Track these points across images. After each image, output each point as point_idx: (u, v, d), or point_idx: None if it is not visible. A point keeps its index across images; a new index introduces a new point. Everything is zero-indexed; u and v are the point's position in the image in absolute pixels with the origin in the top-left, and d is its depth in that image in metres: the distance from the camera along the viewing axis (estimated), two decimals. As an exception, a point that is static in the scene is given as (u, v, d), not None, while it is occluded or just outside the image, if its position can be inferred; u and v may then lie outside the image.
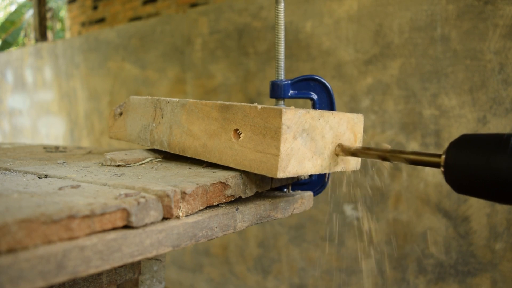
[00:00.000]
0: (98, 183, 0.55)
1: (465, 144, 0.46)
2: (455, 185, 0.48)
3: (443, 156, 0.48)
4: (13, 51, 4.37)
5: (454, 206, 1.59)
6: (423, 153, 0.52)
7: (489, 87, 1.49)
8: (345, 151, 0.60)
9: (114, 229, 0.44)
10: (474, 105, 1.53)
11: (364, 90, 1.79)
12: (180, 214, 0.51)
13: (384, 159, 0.56)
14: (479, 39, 1.50)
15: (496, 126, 1.49)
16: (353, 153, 0.60)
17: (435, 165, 0.50)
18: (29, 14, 8.83)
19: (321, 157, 0.60)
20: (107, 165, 0.71)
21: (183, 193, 0.51)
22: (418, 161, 0.52)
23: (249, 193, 0.62)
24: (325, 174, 0.75)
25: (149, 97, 0.80)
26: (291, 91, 0.72)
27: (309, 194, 0.73)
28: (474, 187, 0.46)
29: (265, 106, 0.56)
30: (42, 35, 4.44)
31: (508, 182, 0.42)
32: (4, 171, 0.66)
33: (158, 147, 0.77)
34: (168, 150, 0.74)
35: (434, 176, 1.63)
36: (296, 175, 0.57)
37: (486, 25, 1.48)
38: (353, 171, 0.68)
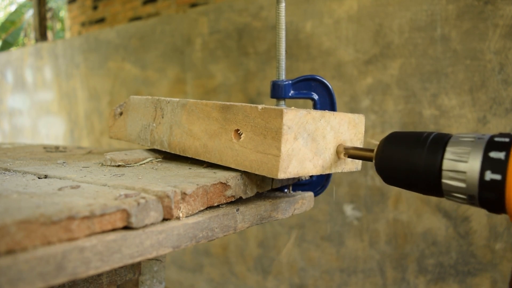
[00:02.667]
0: (98, 183, 0.55)
1: (392, 140, 0.53)
2: (382, 176, 0.54)
3: (375, 151, 0.55)
4: (13, 51, 4.37)
5: (454, 206, 1.59)
6: (360, 148, 0.60)
7: (489, 87, 1.49)
8: (346, 151, 0.61)
9: (114, 230, 0.44)
10: (474, 105, 1.53)
11: (364, 90, 1.79)
12: (181, 215, 0.50)
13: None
14: (479, 39, 1.50)
15: (496, 126, 1.49)
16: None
17: (369, 159, 0.57)
18: (29, 14, 8.83)
19: (322, 157, 0.59)
20: (107, 165, 0.71)
21: (184, 194, 0.51)
22: (356, 155, 0.59)
23: (250, 193, 0.62)
24: (325, 174, 0.75)
25: (150, 97, 0.80)
26: (292, 91, 0.71)
27: (309, 194, 0.72)
28: (397, 178, 0.52)
29: (266, 106, 0.56)
30: (42, 35, 4.44)
31: (424, 175, 0.48)
32: (3, 171, 0.65)
33: (158, 147, 0.77)
34: (168, 150, 0.74)
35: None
36: (297, 176, 0.57)
37: (486, 25, 1.48)
38: (354, 172, 0.68)
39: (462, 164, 0.45)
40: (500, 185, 0.42)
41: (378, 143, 0.57)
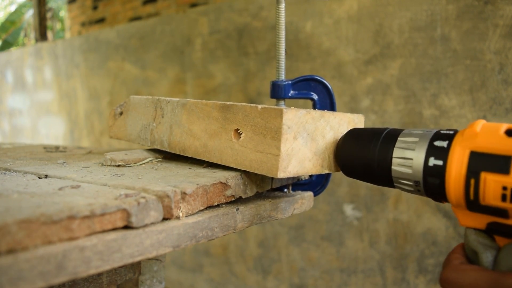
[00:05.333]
0: (98, 183, 0.55)
1: (351, 136, 0.57)
2: (343, 170, 0.58)
3: (336, 146, 0.60)
4: (13, 51, 4.37)
5: (454, 206, 1.59)
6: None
7: (489, 87, 1.49)
8: None
9: (114, 229, 0.44)
10: (474, 105, 1.53)
11: (364, 90, 1.79)
12: (180, 214, 0.51)
13: None
14: (479, 39, 1.50)
15: (496, 126, 1.49)
16: None
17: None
18: (29, 14, 8.83)
19: (322, 157, 0.60)
20: (107, 165, 0.71)
21: (183, 194, 0.51)
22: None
23: (250, 193, 0.62)
24: (325, 174, 0.75)
25: (150, 97, 0.80)
26: (291, 91, 0.71)
27: (309, 194, 0.72)
28: (355, 172, 0.56)
29: (266, 106, 0.56)
30: (42, 35, 4.44)
31: (377, 164, 0.52)
32: (4, 171, 0.65)
33: (158, 147, 0.77)
34: (168, 150, 0.74)
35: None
36: (296, 175, 0.57)
37: (486, 25, 1.48)
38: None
39: (410, 152, 0.48)
40: (442, 170, 0.45)
41: None
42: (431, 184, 0.46)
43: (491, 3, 1.46)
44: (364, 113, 1.77)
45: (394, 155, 0.50)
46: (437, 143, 0.46)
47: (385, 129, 0.54)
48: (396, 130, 0.52)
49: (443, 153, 0.45)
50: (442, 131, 0.47)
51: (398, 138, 0.51)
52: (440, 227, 1.62)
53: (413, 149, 0.48)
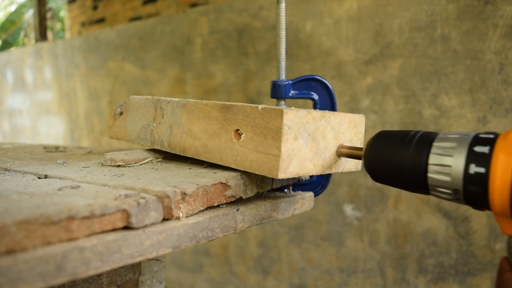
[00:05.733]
0: (98, 183, 0.55)
1: (380, 139, 0.54)
2: (371, 174, 0.55)
3: (363, 150, 0.57)
4: (13, 51, 4.37)
5: (454, 206, 1.59)
6: (351, 147, 0.61)
7: (489, 87, 1.49)
8: (338, 151, 0.61)
9: (114, 230, 0.44)
10: (474, 105, 1.53)
11: (364, 90, 1.79)
12: (181, 215, 0.50)
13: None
14: (479, 39, 1.50)
15: (496, 126, 1.49)
16: (354, 154, 0.62)
17: (358, 157, 0.59)
18: (29, 14, 8.83)
19: (322, 157, 0.59)
20: (107, 165, 0.71)
21: (184, 194, 0.51)
22: (348, 154, 0.61)
23: (250, 193, 0.62)
24: (326, 174, 0.75)
25: (150, 97, 0.80)
26: (292, 91, 0.71)
27: (310, 194, 0.72)
28: (385, 176, 0.53)
29: (266, 106, 0.56)
30: (42, 35, 4.44)
31: (411, 170, 0.49)
32: (3, 171, 0.65)
33: (158, 147, 0.77)
34: (168, 150, 0.74)
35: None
36: (297, 176, 0.57)
37: (486, 25, 1.48)
38: (354, 172, 0.68)
39: (448, 158, 0.46)
40: (484, 178, 0.42)
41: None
42: (472, 192, 0.44)
43: (491, 3, 1.46)
44: (364, 113, 1.77)
45: (430, 161, 0.47)
46: (478, 148, 0.44)
47: (417, 132, 0.51)
48: (430, 134, 0.50)
49: (485, 160, 0.43)
50: (481, 135, 0.45)
51: (434, 143, 0.48)
52: (440, 227, 1.62)
53: (451, 156, 0.45)
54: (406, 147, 0.50)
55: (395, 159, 0.51)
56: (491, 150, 0.43)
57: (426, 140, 0.49)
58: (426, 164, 0.47)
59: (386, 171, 0.52)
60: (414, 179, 0.49)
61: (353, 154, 0.59)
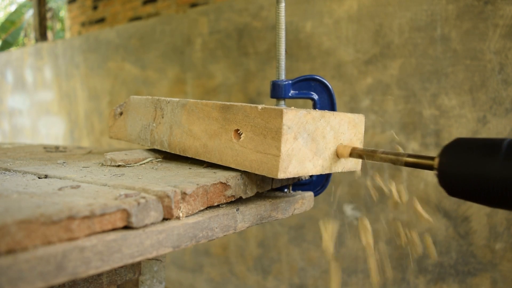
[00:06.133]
0: (98, 183, 0.55)
1: (458, 149, 0.47)
2: (448, 189, 0.48)
3: (437, 160, 0.49)
4: (13, 51, 4.37)
5: (454, 206, 1.59)
6: (418, 156, 0.53)
7: (489, 87, 1.49)
8: (345, 151, 0.61)
9: (114, 229, 0.44)
10: (474, 105, 1.53)
11: (364, 90, 1.79)
12: (181, 214, 0.51)
13: (384, 161, 0.57)
14: (479, 39, 1.50)
15: (496, 126, 1.49)
16: (354, 153, 0.61)
17: (429, 167, 0.51)
18: (29, 14, 8.83)
19: (322, 157, 0.59)
20: (107, 165, 0.71)
21: (184, 194, 0.51)
22: (414, 163, 0.53)
23: (250, 193, 0.62)
24: (325, 174, 0.75)
25: (150, 97, 0.80)
26: (291, 91, 0.71)
27: (309, 194, 0.72)
28: (467, 192, 0.46)
29: (266, 106, 0.56)
30: (42, 35, 4.44)
31: (499, 189, 0.43)
32: (4, 171, 0.65)
33: (158, 147, 0.77)
34: (168, 150, 0.74)
35: (434, 176, 1.63)
36: (296, 176, 0.57)
37: (486, 25, 1.48)
38: (354, 171, 0.68)
39: None
40: None
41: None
42: None
43: (491, 3, 1.46)
44: (364, 113, 1.77)
45: None
46: None
47: (502, 140, 0.45)
48: None
49: None
50: None
51: None
52: (440, 227, 1.62)
53: None
54: (494, 158, 0.43)
55: (480, 171, 0.44)
56: None
57: None
58: None
59: (468, 186, 0.45)
60: (505, 195, 0.43)
61: (421, 164, 0.52)
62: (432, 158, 0.51)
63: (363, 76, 1.78)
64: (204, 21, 2.41)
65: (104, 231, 0.43)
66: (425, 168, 0.52)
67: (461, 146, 0.47)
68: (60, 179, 0.58)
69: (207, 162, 0.68)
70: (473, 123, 1.53)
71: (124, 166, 0.70)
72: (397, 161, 0.55)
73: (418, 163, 0.53)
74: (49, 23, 9.48)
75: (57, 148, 1.04)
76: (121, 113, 0.90)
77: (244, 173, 0.61)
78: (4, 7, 12.08)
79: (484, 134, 1.52)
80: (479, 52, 1.50)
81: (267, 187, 0.66)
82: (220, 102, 0.63)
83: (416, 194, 1.67)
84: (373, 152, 0.57)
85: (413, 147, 1.67)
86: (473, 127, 1.53)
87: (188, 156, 0.69)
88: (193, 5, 3.10)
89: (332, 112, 0.60)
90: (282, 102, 0.72)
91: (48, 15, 9.31)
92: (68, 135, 3.58)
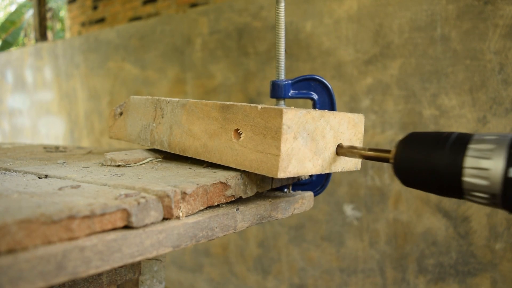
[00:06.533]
0: (98, 183, 0.55)
1: (411, 141, 0.51)
2: (401, 178, 0.52)
3: (392, 152, 0.54)
4: (13, 51, 4.37)
5: (454, 206, 1.59)
6: (377, 149, 0.57)
7: (489, 87, 1.49)
8: (371, 154, 0.60)
9: (114, 229, 0.44)
10: (474, 105, 1.53)
11: (364, 90, 1.79)
12: (181, 214, 0.51)
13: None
14: (479, 39, 1.50)
15: (496, 126, 1.49)
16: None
17: (386, 160, 0.56)
18: (29, 14, 8.83)
19: (322, 157, 0.59)
20: (107, 165, 0.71)
21: (184, 194, 0.51)
22: (373, 156, 0.58)
23: (250, 193, 0.62)
24: (325, 174, 0.75)
25: (150, 97, 0.80)
26: (291, 91, 0.71)
27: (309, 194, 0.72)
28: (418, 182, 0.50)
29: (266, 106, 0.56)
30: (42, 35, 4.44)
31: (445, 174, 0.47)
32: (4, 171, 0.65)
33: (158, 147, 0.77)
34: (168, 150, 0.74)
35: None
36: (296, 175, 0.57)
37: (486, 25, 1.48)
38: (354, 171, 0.68)
39: (485, 161, 0.43)
40: None
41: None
42: None
43: (491, 3, 1.46)
44: (364, 113, 1.77)
45: (466, 164, 0.45)
46: None
47: (450, 133, 0.49)
48: (465, 135, 0.48)
49: None
50: None
51: (469, 145, 0.45)
52: (440, 227, 1.62)
53: (489, 158, 0.43)
54: (439, 150, 0.47)
55: (428, 162, 0.48)
56: None
57: (461, 142, 0.46)
58: (462, 167, 0.45)
59: (418, 175, 0.50)
60: (448, 183, 0.47)
61: (379, 157, 0.57)
62: (388, 151, 0.55)
63: (363, 76, 1.79)
64: (204, 21, 2.41)
65: (104, 231, 0.43)
66: (382, 161, 0.56)
67: (414, 139, 0.51)
68: (60, 179, 0.59)
69: (207, 162, 0.68)
70: (473, 123, 1.53)
71: (124, 166, 0.70)
72: (360, 154, 0.59)
73: (377, 156, 0.57)
74: (49, 23, 9.48)
75: (57, 148, 1.04)
76: (121, 113, 0.90)
77: (244, 173, 0.61)
78: (4, 7, 12.08)
79: (484, 134, 1.52)
80: (479, 52, 1.50)
81: (267, 187, 0.66)
82: (220, 102, 0.63)
83: (416, 194, 1.68)
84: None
85: (413, 147, 1.67)
86: (473, 127, 1.54)
87: (188, 156, 0.69)
88: (193, 5, 3.10)
89: (331, 112, 0.60)
90: (282, 102, 0.72)
91: (48, 15, 9.31)
92: (68, 135, 3.58)
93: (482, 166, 0.44)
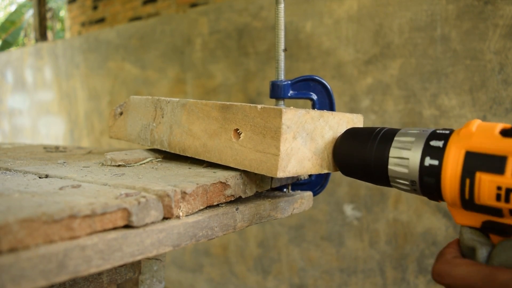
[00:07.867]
0: (98, 183, 0.55)
1: (348, 136, 0.58)
2: (340, 168, 0.59)
3: (333, 146, 0.61)
4: (13, 51, 4.37)
5: (454, 206, 1.60)
6: None
7: (489, 87, 1.50)
8: None
9: (114, 228, 0.44)
10: (474, 105, 1.53)
11: (364, 90, 1.79)
12: (181, 213, 0.51)
13: None
14: (479, 39, 1.50)
15: (496, 126, 1.49)
16: None
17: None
18: (29, 14, 8.83)
19: (321, 157, 0.60)
20: (108, 165, 0.71)
21: (184, 193, 0.51)
22: None
23: (249, 193, 0.62)
24: (324, 174, 0.75)
25: (150, 97, 0.80)
26: (291, 92, 0.72)
27: (308, 194, 0.73)
28: (354, 172, 0.57)
29: (265, 106, 0.56)
30: (42, 35, 4.44)
31: (375, 163, 0.52)
32: (4, 171, 0.66)
33: (158, 147, 0.77)
34: (168, 150, 0.74)
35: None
36: (296, 175, 0.58)
37: (486, 25, 1.48)
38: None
39: (406, 151, 0.49)
40: (437, 170, 0.46)
41: None
42: (427, 183, 0.47)
43: (491, 3, 1.47)
44: (364, 113, 1.77)
45: (390, 154, 0.51)
46: (433, 142, 0.47)
47: (382, 128, 0.54)
48: (393, 130, 0.53)
49: (438, 153, 0.46)
50: (438, 131, 0.48)
51: (395, 138, 0.51)
52: (440, 227, 1.63)
53: (409, 149, 0.49)
54: (371, 142, 0.53)
55: (361, 153, 0.54)
56: (445, 144, 0.46)
57: (389, 135, 0.52)
58: (387, 157, 0.51)
59: (353, 165, 0.56)
60: (377, 172, 0.52)
61: None
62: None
63: (363, 76, 1.79)
64: (204, 21, 2.42)
65: (105, 230, 0.43)
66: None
67: (351, 134, 0.58)
68: (61, 178, 0.59)
69: (207, 161, 0.68)
70: (473, 123, 1.53)
71: (124, 166, 0.71)
72: None
73: None
74: (49, 23, 9.48)
75: (57, 148, 1.04)
76: (121, 113, 0.91)
77: (244, 172, 0.61)
78: (4, 7, 12.08)
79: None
80: (479, 52, 1.50)
81: (266, 187, 0.66)
82: (219, 102, 0.63)
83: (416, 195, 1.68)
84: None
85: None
86: (473, 127, 1.54)
87: (188, 155, 0.69)
88: (193, 5, 3.10)
89: (331, 112, 0.61)
90: (282, 102, 0.72)
91: (48, 15, 9.31)
92: (68, 135, 3.59)
93: (403, 155, 0.49)
